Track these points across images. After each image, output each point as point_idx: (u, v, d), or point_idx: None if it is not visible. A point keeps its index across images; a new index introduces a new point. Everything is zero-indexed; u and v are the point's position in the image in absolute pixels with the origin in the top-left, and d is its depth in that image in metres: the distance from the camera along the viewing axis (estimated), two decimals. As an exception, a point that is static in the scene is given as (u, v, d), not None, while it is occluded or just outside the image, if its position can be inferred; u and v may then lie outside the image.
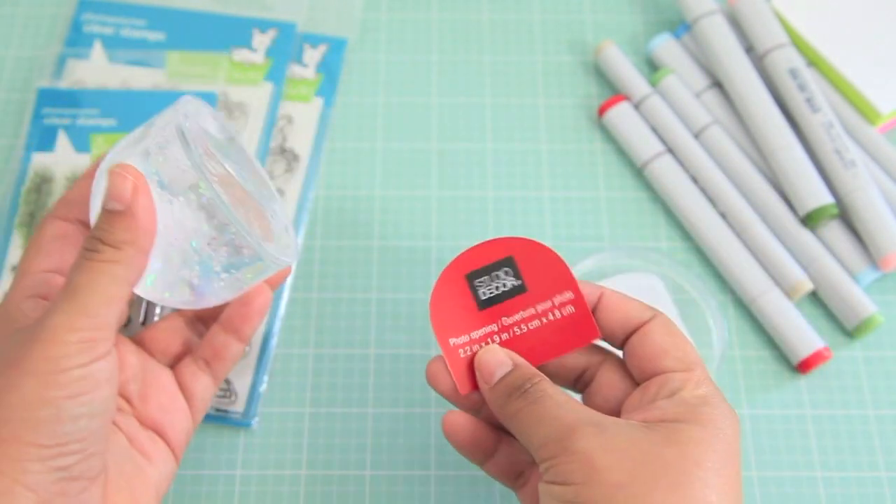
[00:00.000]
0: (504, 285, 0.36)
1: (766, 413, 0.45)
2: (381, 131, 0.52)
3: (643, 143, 0.50)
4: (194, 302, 0.37)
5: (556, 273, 0.36)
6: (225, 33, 0.53)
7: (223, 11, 0.53)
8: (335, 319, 0.47)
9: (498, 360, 0.35)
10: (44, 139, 0.50)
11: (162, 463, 0.37)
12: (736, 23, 0.53)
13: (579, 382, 0.37)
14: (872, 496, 0.43)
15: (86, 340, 0.31)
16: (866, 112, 0.50)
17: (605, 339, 0.36)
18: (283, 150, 0.50)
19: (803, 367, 0.45)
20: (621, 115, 0.51)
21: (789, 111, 0.50)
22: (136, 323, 0.44)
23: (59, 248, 0.36)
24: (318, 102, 0.52)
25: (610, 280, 0.47)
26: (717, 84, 0.52)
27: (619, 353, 0.37)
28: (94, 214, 0.35)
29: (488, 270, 0.36)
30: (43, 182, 0.49)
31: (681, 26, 0.54)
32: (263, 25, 0.53)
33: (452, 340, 0.36)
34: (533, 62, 0.54)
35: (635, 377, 0.35)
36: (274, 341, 0.46)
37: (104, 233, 0.32)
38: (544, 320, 0.36)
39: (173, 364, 0.40)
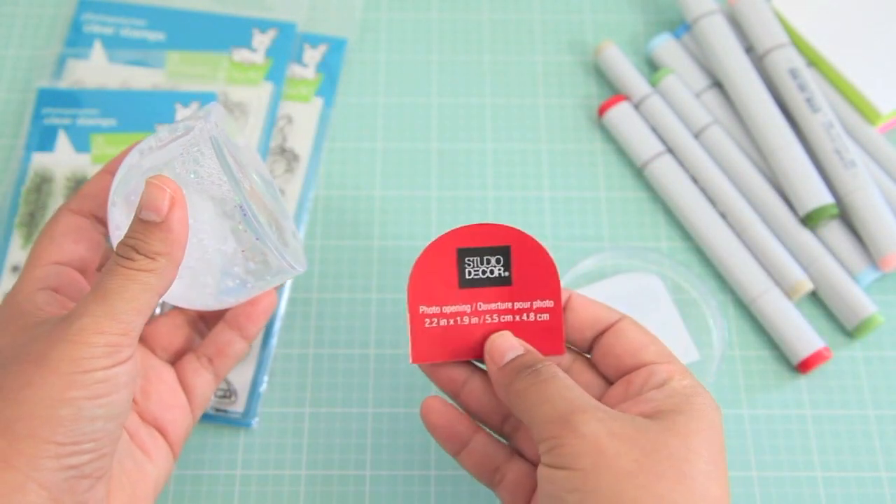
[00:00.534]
0: (491, 272, 0.36)
1: (766, 413, 0.45)
2: (381, 131, 0.52)
3: (643, 143, 0.50)
4: (212, 306, 0.37)
5: (545, 278, 0.36)
6: (225, 33, 0.53)
7: (223, 11, 0.53)
8: (335, 319, 0.47)
9: (510, 344, 0.36)
10: (44, 139, 0.50)
11: (161, 460, 0.37)
12: (736, 23, 0.53)
13: None
14: (872, 496, 0.43)
15: (112, 345, 0.31)
16: (866, 112, 0.50)
17: (570, 342, 0.37)
18: (283, 150, 0.50)
19: (803, 367, 0.45)
20: (621, 115, 0.51)
21: (789, 111, 0.50)
22: None
23: (72, 241, 0.36)
24: (318, 102, 0.52)
25: (610, 280, 0.47)
26: (717, 84, 0.52)
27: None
28: (114, 214, 0.35)
29: (481, 253, 0.36)
30: (43, 182, 0.49)
31: (681, 26, 0.54)
32: (263, 25, 0.53)
33: (423, 308, 0.36)
34: (533, 62, 0.54)
35: (608, 374, 0.36)
36: (274, 341, 0.46)
37: (139, 242, 0.32)
38: (517, 318, 0.37)
39: (174, 360, 0.40)
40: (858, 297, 0.45)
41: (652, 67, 0.54)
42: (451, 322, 0.37)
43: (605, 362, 0.36)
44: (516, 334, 0.37)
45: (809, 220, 0.47)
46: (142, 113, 0.50)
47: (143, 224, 0.32)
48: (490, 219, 0.49)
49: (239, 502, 0.43)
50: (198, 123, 0.34)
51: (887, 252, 0.45)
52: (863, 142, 0.50)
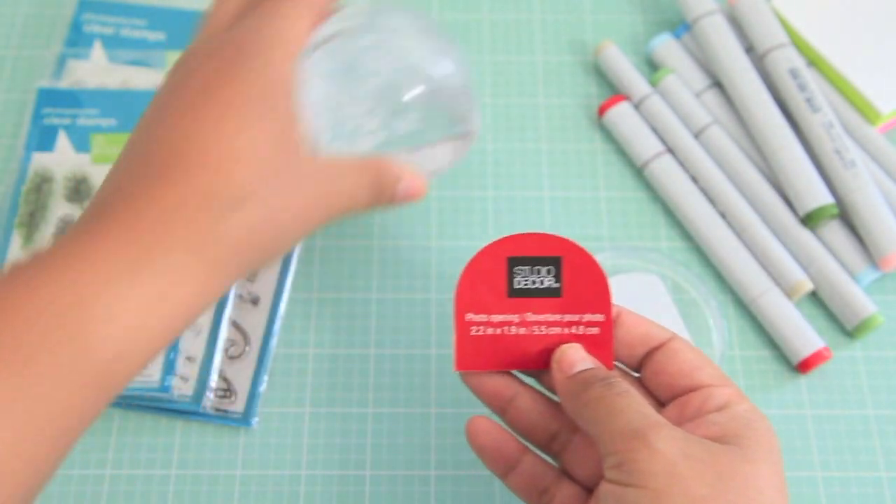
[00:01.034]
0: (542, 283, 0.36)
1: (766, 413, 0.44)
2: (381, 131, 0.52)
3: (643, 143, 0.50)
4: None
5: (596, 291, 0.35)
6: (225, 33, 0.53)
7: (223, 11, 0.53)
8: (335, 319, 0.47)
9: (581, 356, 0.35)
10: (44, 139, 0.50)
11: None
12: (736, 23, 0.53)
13: None
14: (872, 496, 0.43)
15: None
16: (866, 112, 0.50)
17: (618, 359, 0.36)
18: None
19: (803, 367, 0.45)
20: (621, 115, 0.51)
21: (789, 111, 0.50)
22: None
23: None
24: (318, 102, 0.52)
25: (610, 280, 0.47)
26: (717, 84, 0.52)
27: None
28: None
29: (532, 262, 0.36)
30: (43, 182, 0.49)
31: (681, 26, 0.54)
32: (263, 25, 0.53)
33: (469, 315, 0.36)
34: (533, 62, 0.54)
35: (659, 394, 0.35)
36: (274, 341, 0.46)
37: None
38: (566, 331, 0.36)
39: None
40: (858, 297, 0.45)
41: (652, 67, 0.54)
42: (498, 331, 0.36)
43: (656, 381, 0.35)
44: None
45: (809, 220, 0.47)
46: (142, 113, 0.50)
47: None
48: (489, 219, 0.49)
49: (239, 502, 0.43)
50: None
51: (887, 252, 0.45)
52: (863, 142, 0.50)
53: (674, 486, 0.29)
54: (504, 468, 0.36)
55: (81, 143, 0.50)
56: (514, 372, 0.37)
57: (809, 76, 0.50)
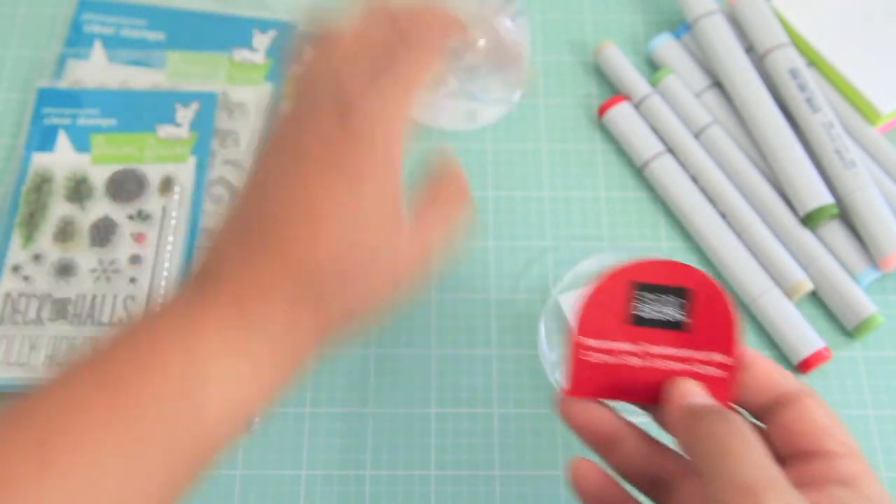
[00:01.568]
0: (666, 313, 0.33)
1: (766, 413, 0.45)
2: (381, 131, 0.52)
3: (643, 143, 0.50)
4: None
5: (724, 330, 0.33)
6: (225, 33, 0.53)
7: (223, 11, 0.53)
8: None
9: (697, 390, 0.33)
10: (44, 139, 0.50)
11: None
12: (736, 23, 0.53)
13: None
14: (872, 496, 0.43)
15: None
16: (866, 112, 0.50)
17: (740, 404, 0.34)
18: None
19: (803, 366, 0.45)
20: (621, 115, 0.51)
21: (789, 111, 0.50)
22: None
23: None
24: (318, 102, 0.52)
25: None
26: (717, 84, 0.52)
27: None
28: None
29: (659, 290, 0.33)
30: (43, 182, 0.49)
31: (681, 26, 0.54)
32: (263, 25, 0.53)
33: (586, 340, 0.33)
34: (533, 62, 0.54)
35: (777, 448, 0.32)
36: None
37: None
38: (686, 367, 0.33)
39: None
40: (858, 297, 0.45)
41: (652, 67, 0.54)
42: (614, 360, 0.34)
43: (777, 437, 0.32)
44: None
45: (809, 220, 0.47)
46: (142, 113, 0.50)
47: None
48: (489, 219, 0.49)
49: (239, 502, 0.43)
50: None
51: (887, 252, 0.45)
52: (863, 142, 0.50)
53: None
54: None
55: (81, 143, 0.50)
56: (617, 407, 0.35)
57: (809, 76, 0.50)
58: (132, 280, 0.46)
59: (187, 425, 0.30)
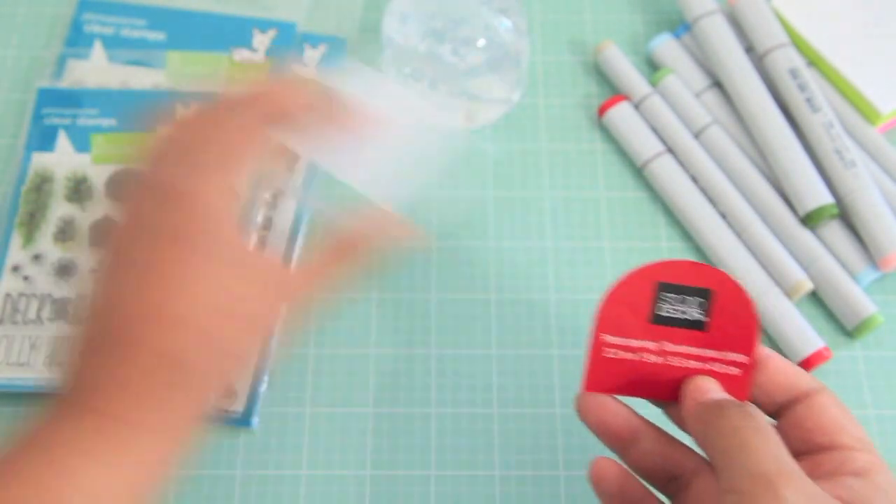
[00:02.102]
0: (687, 313, 0.34)
1: (766, 413, 0.45)
2: (381, 131, 0.52)
3: (643, 143, 0.50)
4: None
5: (744, 330, 0.34)
6: (225, 33, 0.53)
7: (223, 11, 0.53)
8: (335, 319, 0.47)
9: (715, 387, 0.33)
10: (44, 139, 0.50)
11: None
12: (736, 23, 0.53)
13: None
14: (872, 496, 0.43)
15: None
16: (866, 112, 0.50)
17: (756, 402, 0.34)
18: (283, 150, 0.50)
19: (803, 366, 0.45)
20: (621, 115, 0.51)
21: (789, 111, 0.50)
22: None
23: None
24: (318, 102, 0.52)
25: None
26: (717, 84, 0.52)
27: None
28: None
29: (681, 291, 0.34)
30: (43, 182, 0.49)
31: (681, 26, 0.54)
32: (263, 25, 0.53)
33: (606, 336, 0.34)
34: (533, 62, 0.54)
35: (791, 445, 0.32)
36: (274, 341, 0.46)
37: None
38: (704, 366, 0.34)
39: None
40: (858, 297, 0.45)
41: (652, 67, 0.54)
42: (633, 357, 0.34)
43: (791, 433, 0.33)
44: None
45: (809, 220, 0.47)
46: (142, 113, 0.50)
47: None
48: (489, 219, 0.49)
49: (239, 502, 0.43)
50: None
51: (887, 252, 0.45)
52: (863, 142, 0.50)
53: None
54: None
55: (81, 143, 0.50)
56: (634, 404, 0.35)
57: (809, 76, 0.50)
58: (132, 280, 0.46)
59: None
